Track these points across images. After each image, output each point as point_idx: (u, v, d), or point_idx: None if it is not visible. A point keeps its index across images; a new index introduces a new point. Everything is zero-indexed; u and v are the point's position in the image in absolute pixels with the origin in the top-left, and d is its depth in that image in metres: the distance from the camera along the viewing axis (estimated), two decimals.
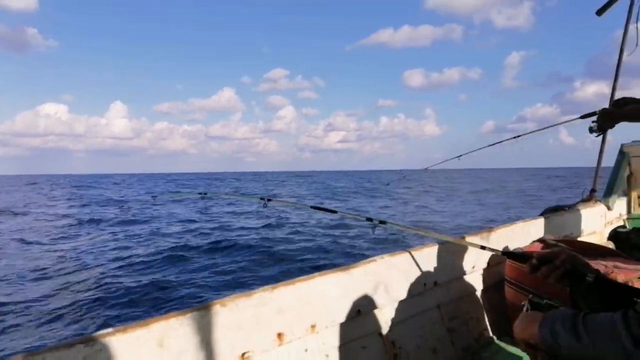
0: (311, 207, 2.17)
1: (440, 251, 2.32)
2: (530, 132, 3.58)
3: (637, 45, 3.42)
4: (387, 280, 2.04)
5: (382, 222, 1.91)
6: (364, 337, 1.93)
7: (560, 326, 1.09)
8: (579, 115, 3.67)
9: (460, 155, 3.71)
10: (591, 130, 2.56)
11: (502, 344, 2.45)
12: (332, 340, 1.82)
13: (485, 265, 2.58)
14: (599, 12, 3.60)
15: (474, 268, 2.51)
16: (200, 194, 3.16)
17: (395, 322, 2.06)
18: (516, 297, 2.43)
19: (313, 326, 1.75)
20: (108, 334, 1.28)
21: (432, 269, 2.26)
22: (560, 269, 1.32)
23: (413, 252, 2.19)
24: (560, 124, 3.52)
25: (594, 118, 2.53)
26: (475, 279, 2.54)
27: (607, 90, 3.99)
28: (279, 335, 1.65)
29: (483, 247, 1.86)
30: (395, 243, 11.63)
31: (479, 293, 2.54)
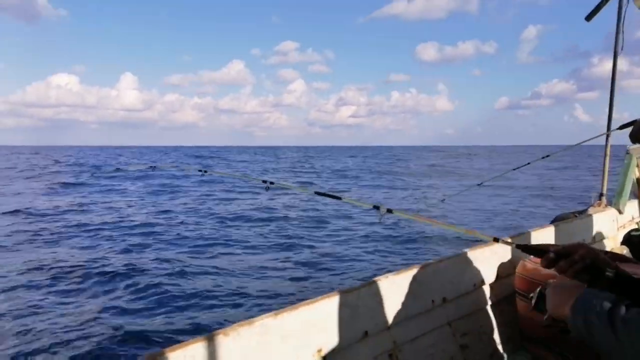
0: (315, 192, 2.09)
1: (446, 266, 2.28)
2: (562, 150, 3.55)
3: (622, 49, 3.44)
4: (394, 300, 2.00)
5: (389, 210, 1.83)
6: (374, 358, 1.89)
7: (596, 317, 1.02)
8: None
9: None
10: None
11: (519, 359, 2.40)
12: None
13: (494, 278, 2.53)
14: (588, 17, 3.57)
15: (483, 281, 2.46)
16: (200, 170, 3.00)
17: (404, 342, 2.02)
18: (528, 309, 2.38)
19: (319, 351, 1.72)
20: None
21: (439, 285, 2.22)
22: (579, 263, 1.23)
23: (418, 269, 2.15)
24: (597, 137, 3.49)
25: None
26: (485, 292, 2.49)
27: (625, 67, 3.98)
28: None
29: (496, 239, 1.72)
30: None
31: (490, 307, 2.48)
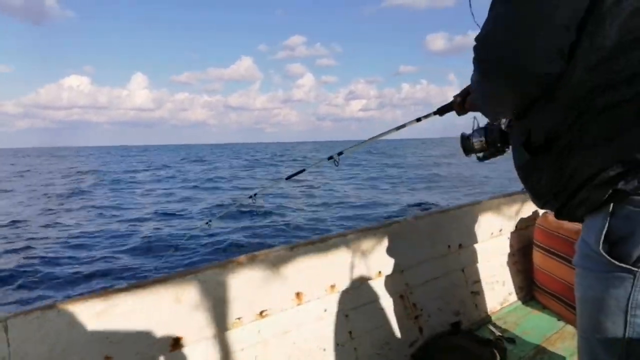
0: (286, 178, 2.20)
1: (465, 213, 2.23)
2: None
3: None
4: (410, 242, 1.98)
5: (339, 153, 1.89)
6: (385, 298, 1.89)
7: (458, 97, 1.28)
8: None
9: None
10: None
11: (528, 309, 2.39)
12: (352, 300, 1.78)
13: (513, 229, 2.48)
14: None
15: (501, 231, 2.41)
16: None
17: (417, 284, 2.01)
18: (545, 261, 2.34)
19: (332, 286, 1.72)
20: (124, 289, 1.27)
21: (457, 231, 2.19)
22: None
23: (438, 214, 2.12)
24: None
25: None
26: (502, 242, 2.45)
27: None
28: (298, 294, 1.62)
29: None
30: None
31: (505, 257, 2.45)
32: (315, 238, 1.71)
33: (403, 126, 1.67)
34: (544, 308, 2.37)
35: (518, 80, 0.81)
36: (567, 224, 2.24)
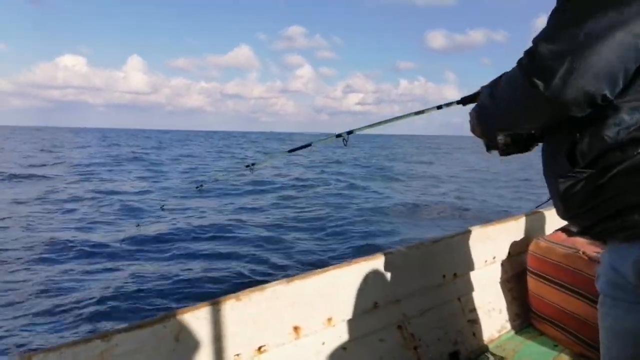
0: (288, 152, 2.13)
1: (459, 242, 2.27)
2: None
3: None
4: (405, 272, 2.01)
5: (349, 132, 1.83)
6: (382, 329, 1.91)
7: (485, 89, 1.11)
8: None
9: None
10: None
11: (526, 335, 2.40)
12: (349, 333, 1.80)
13: (505, 255, 2.52)
14: None
15: (494, 259, 2.45)
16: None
17: (414, 315, 2.03)
18: (539, 287, 2.37)
19: (329, 319, 1.74)
20: (125, 330, 1.29)
21: (451, 260, 2.22)
22: None
23: (431, 244, 2.15)
24: None
25: None
26: (496, 269, 2.48)
27: None
28: (295, 328, 1.64)
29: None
30: None
31: (500, 283, 2.48)
32: (311, 271, 1.74)
33: (422, 112, 1.62)
34: (540, 334, 2.38)
35: (564, 98, 0.76)
36: (558, 250, 2.28)
